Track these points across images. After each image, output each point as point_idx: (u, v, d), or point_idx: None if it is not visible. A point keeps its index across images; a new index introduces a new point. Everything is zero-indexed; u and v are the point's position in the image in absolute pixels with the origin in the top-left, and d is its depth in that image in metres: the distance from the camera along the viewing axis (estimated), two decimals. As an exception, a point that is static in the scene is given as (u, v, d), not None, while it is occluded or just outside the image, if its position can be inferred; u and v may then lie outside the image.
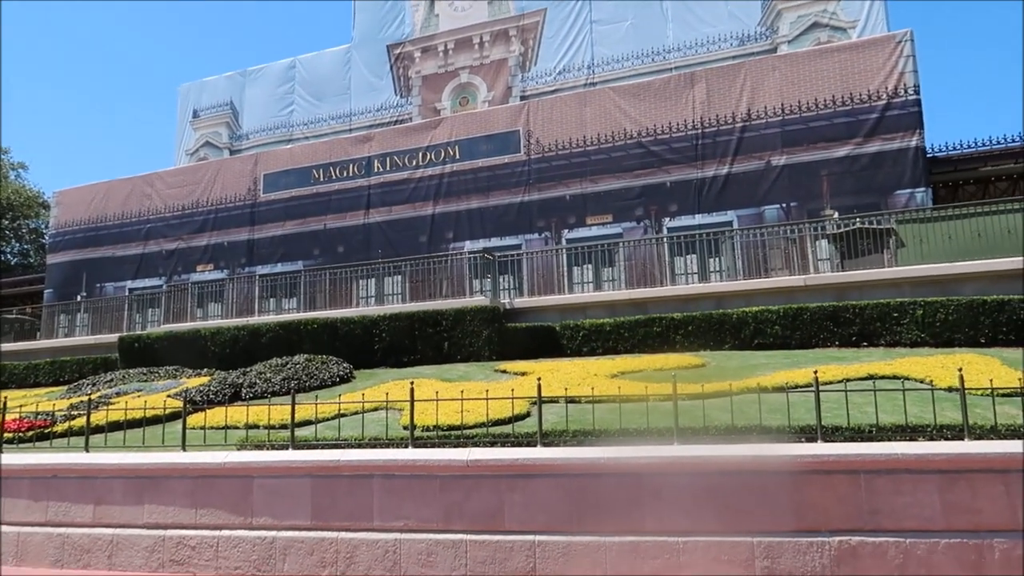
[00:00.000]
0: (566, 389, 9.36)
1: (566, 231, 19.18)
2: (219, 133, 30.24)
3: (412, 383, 8.81)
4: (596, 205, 19.11)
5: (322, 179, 22.20)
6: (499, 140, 20.18)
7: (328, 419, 10.30)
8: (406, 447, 8.14)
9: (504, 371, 13.36)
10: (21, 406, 13.90)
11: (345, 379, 13.86)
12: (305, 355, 14.53)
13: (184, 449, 8.80)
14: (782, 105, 18.21)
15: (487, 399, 8.58)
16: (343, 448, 8.32)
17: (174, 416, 11.38)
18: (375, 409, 10.59)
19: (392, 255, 20.18)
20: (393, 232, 21.02)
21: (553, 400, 9.56)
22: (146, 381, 14.79)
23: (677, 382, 8.01)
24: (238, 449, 8.73)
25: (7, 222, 44.71)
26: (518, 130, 19.95)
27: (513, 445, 7.98)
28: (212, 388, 12.97)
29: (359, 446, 8.35)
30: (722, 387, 8.71)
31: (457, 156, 20.56)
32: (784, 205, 17.96)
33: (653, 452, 7.49)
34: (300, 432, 9.48)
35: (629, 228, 18.75)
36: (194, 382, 13.88)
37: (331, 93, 28.12)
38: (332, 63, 28.39)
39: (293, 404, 8.73)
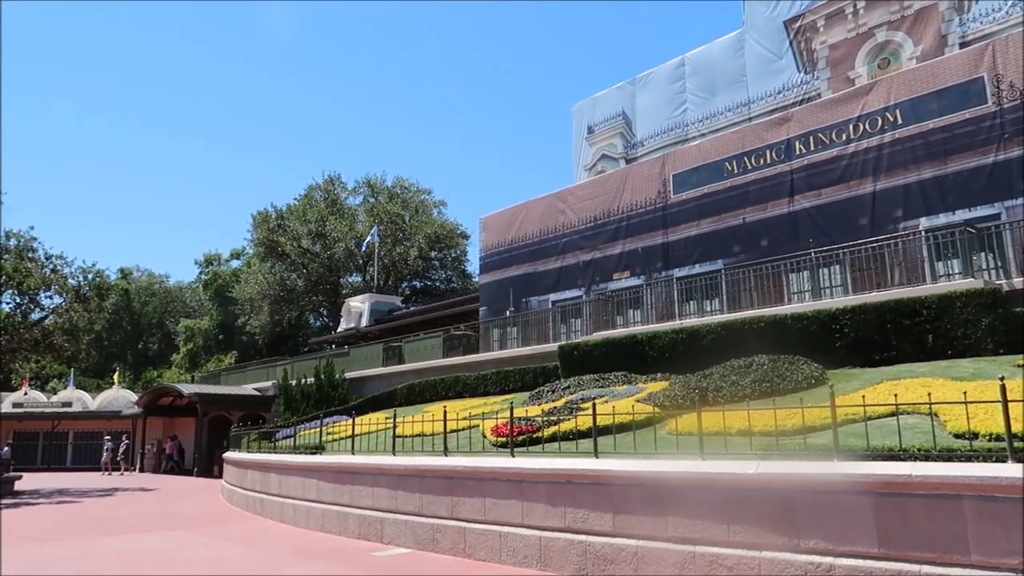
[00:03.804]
0: None
1: (1066, 190, 15.26)
2: (614, 144, 30.84)
3: (1007, 385, 6.84)
4: (1110, 151, 14.90)
5: (736, 171, 20.95)
6: (954, 93, 16.91)
7: (822, 428, 8.92)
8: (1003, 460, 6.35)
9: (1036, 366, 10.61)
10: (497, 412, 14.92)
11: (819, 380, 12.29)
12: (768, 356, 13.29)
13: (703, 458, 8.07)
14: None
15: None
16: (907, 460, 6.81)
17: (647, 422, 10.99)
18: (890, 415, 8.93)
19: (825, 243, 18.06)
20: (824, 218, 18.88)
21: None
22: (602, 387, 14.86)
23: None
24: (761, 459, 7.72)
25: (435, 253, 51.53)
26: (981, 76, 16.50)
27: None
28: (677, 392, 12.38)
29: (927, 458, 6.76)
30: None
31: (899, 121, 17.73)
32: None
33: None
34: (797, 440, 8.27)
35: None
36: (655, 387, 13.48)
37: (724, 84, 26.85)
38: (723, 53, 27.13)
39: (834, 406, 7.47)
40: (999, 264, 15.39)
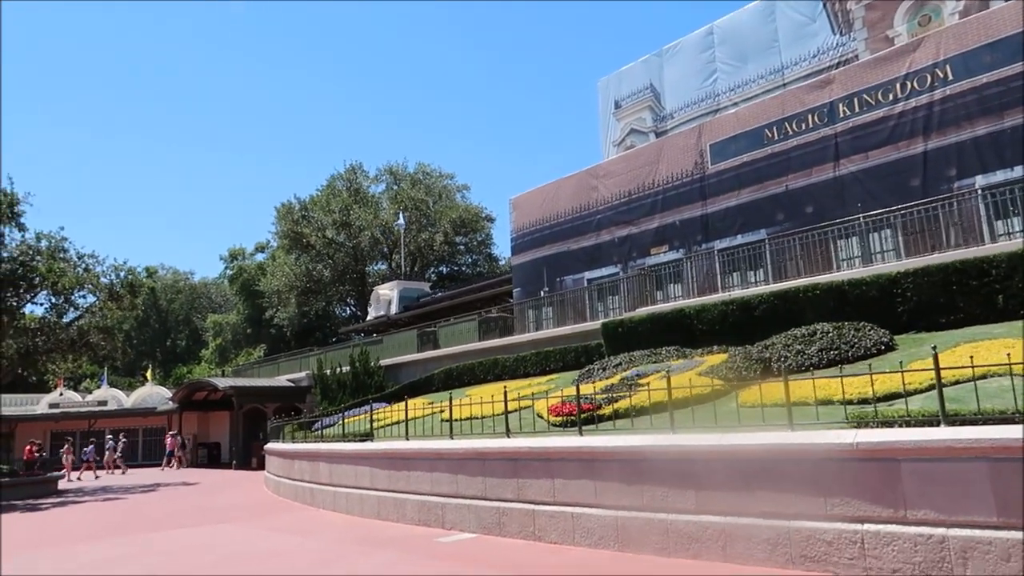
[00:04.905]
0: None
1: None
2: (642, 119, 30.23)
3: None
4: None
5: (776, 137, 20.35)
6: (1007, 45, 16.19)
7: (919, 391, 8.50)
8: None
9: None
10: (547, 392, 14.59)
11: (888, 346, 11.83)
12: (831, 324, 12.81)
13: (792, 428, 7.68)
14: None
15: None
16: (1021, 423, 6.38)
17: (711, 395, 10.55)
18: (980, 376, 8.47)
19: (874, 207, 17.52)
20: (872, 181, 18.27)
21: None
22: (656, 362, 14.47)
23: None
24: (857, 428, 7.31)
25: (461, 238, 51.17)
26: (1037, 25, 15.82)
27: None
28: (739, 364, 11.98)
29: (1044, 420, 6.34)
30: None
31: (949, 77, 17.05)
32: None
33: None
34: (882, 407, 7.86)
35: None
36: (713, 359, 13.07)
37: (755, 51, 26.13)
38: (752, 19, 26.39)
39: (938, 368, 7.05)
40: (1064, 220, 14.82)
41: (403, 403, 18.91)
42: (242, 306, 60.82)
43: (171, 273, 79.84)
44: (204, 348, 68.00)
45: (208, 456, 40.44)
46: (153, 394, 45.79)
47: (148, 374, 49.96)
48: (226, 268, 69.98)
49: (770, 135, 20.55)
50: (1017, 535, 6.06)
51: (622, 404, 11.05)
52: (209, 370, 58.79)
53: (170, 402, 41.45)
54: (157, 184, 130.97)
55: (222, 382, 36.76)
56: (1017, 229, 15.15)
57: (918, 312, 13.32)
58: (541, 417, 12.19)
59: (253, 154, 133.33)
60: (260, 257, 64.56)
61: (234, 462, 35.15)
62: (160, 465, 37.80)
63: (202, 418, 42.37)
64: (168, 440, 38.42)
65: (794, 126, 20.03)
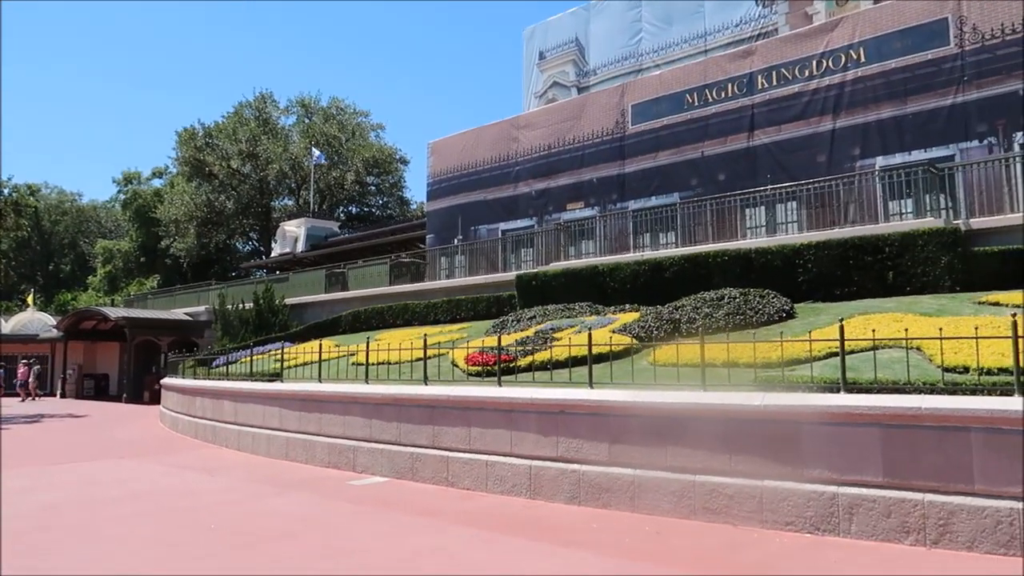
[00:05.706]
0: None
1: (1020, 134, 15.71)
2: (566, 72, 30.23)
3: (1016, 316, 6.86)
4: (1065, 98, 15.35)
5: (696, 103, 20.80)
6: (917, 34, 17.06)
7: (819, 358, 9.08)
8: (1009, 394, 6.55)
9: (996, 303, 11.02)
10: (465, 340, 14.72)
11: (789, 314, 12.52)
12: (738, 289, 13.42)
13: (705, 389, 8.08)
14: None
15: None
16: (912, 393, 6.96)
17: (625, 352, 10.96)
18: (869, 348, 9.12)
19: (783, 179, 18.30)
20: (783, 154, 19.04)
21: None
22: (570, 317, 14.79)
23: None
24: (765, 391, 7.78)
25: (372, 178, 50.08)
26: (945, 18, 16.65)
27: None
28: (649, 324, 12.43)
29: (931, 391, 6.93)
30: None
31: (862, 59, 17.83)
32: None
33: None
34: (786, 372, 8.38)
35: (1116, 122, 14.78)
36: (626, 318, 13.48)
37: (681, 15, 26.49)
38: (681, -18, 26.65)
39: (843, 338, 7.54)
40: (949, 204, 15.89)
41: (310, 343, 18.70)
42: (135, 233, 57.79)
43: (56, 192, 74.82)
44: (92, 275, 64.45)
45: (95, 388, 38.72)
46: (34, 320, 43.20)
47: (29, 299, 46.99)
48: (119, 192, 66.09)
49: (691, 100, 20.98)
50: (898, 494, 6.66)
51: (540, 356, 11.29)
52: (97, 298, 55.86)
53: (54, 329, 39.26)
54: (43, 97, 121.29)
55: (113, 312, 35.08)
56: (909, 210, 16.15)
57: (817, 283, 14.14)
58: (457, 366, 12.31)
59: (153, 75, 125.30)
60: (157, 183, 61.26)
61: (125, 395, 33.84)
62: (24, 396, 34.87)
63: (89, 348, 40.39)
64: (20, 369, 35.42)
65: (714, 93, 20.51)
